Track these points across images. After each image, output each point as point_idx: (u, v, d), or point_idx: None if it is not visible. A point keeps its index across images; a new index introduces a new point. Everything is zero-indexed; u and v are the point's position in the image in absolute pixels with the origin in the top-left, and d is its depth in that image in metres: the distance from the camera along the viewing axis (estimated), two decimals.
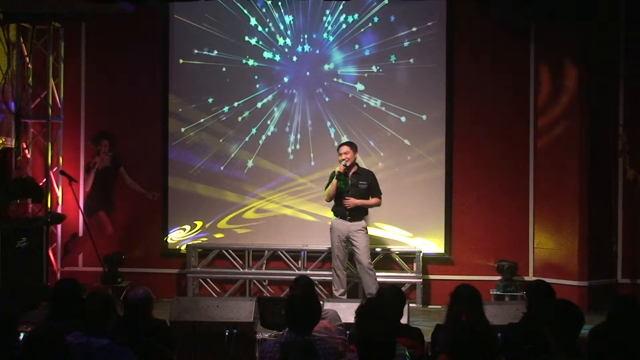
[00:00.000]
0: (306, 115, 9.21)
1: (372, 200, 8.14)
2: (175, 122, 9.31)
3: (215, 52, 9.24)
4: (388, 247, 8.93)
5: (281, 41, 9.21)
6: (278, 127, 9.22)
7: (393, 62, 9.06)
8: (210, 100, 9.28)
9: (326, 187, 8.16)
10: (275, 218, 9.23)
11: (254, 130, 9.22)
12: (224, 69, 9.24)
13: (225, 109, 9.26)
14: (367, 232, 8.13)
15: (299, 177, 9.21)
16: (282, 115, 9.22)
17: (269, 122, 9.22)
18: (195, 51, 9.26)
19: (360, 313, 4.62)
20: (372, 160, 8.93)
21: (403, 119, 9.06)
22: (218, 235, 9.27)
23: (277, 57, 9.24)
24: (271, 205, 9.24)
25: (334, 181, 8.01)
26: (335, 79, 9.17)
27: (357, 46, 9.11)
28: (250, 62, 9.22)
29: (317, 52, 9.20)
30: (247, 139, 9.24)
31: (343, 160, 7.98)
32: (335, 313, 5.59)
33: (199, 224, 9.27)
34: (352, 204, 8.01)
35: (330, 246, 8.62)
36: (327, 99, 9.17)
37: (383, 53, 9.09)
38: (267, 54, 9.23)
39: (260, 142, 9.22)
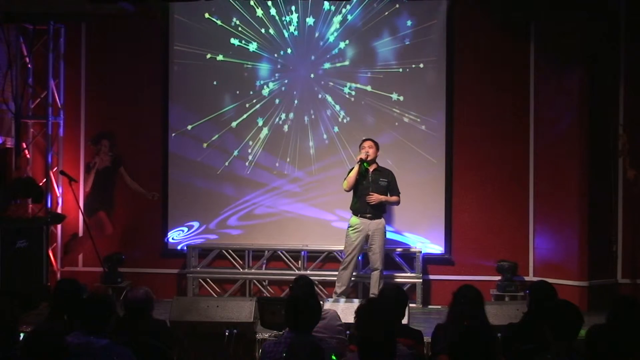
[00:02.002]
0: (303, 115, 9.22)
1: (394, 198, 8.16)
2: (176, 122, 9.30)
3: (209, 52, 9.25)
4: (388, 247, 8.90)
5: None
6: (278, 129, 9.21)
7: (392, 62, 9.06)
8: (208, 100, 9.29)
9: (345, 178, 8.14)
10: (275, 218, 9.22)
11: (253, 132, 9.23)
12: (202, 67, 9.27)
13: (225, 108, 9.26)
14: (385, 232, 8.12)
15: (299, 177, 9.20)
16: (279, 118, 9.23)
17: (267, 125, 9.22)
18: (192, 51, 9.26)
19: (361, 313, 4.62)
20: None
21: (403, 118, 9.06)
22: (218, 235, 9.27)
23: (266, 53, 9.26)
24: (271, 206, 9.23)
25: (355, 168, 8.00)
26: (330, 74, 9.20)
27: (346, 44, 9.12)
28: (236, 59, 9.24)
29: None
30: (247, 139, 9.23)
31: (365, 152, 8.02)
32: (335, 313, 5.59)
33: (199, 224, 9.27)
34: (376, 199, 8.00)
35: (330, 246, 8.66)
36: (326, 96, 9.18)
37: (382, 53, 9.09)
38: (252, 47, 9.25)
39: (261, 142, 9.22)
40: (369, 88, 9.12)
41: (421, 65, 9.04)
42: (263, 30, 9.19)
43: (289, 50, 9.24)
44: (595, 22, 8.51)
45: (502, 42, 8.95)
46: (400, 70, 9.06)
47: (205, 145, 9.26)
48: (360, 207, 8.07)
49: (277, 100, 9.22)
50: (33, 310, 7.65)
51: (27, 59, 9.19)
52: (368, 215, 8.04)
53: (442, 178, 9.01)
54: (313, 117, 9.20)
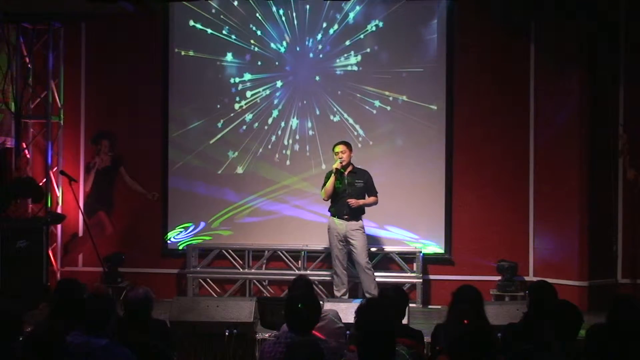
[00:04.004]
0: (305, 112, 9.21)
1: (371, 199, 8.16)
2: (175, 122, 9.30)
3: (210, 52, 9.24)
4: (388, 247, 8.92)
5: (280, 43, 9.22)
6: (278, 128, 9.20)
7: (393, 61, 9.05)
8: (206, 99, 9.28)
9: (323, 186, 8.17)
10: (275, 218, 9.22)
11: (253, 131, 9.21)
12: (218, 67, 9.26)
13: (226, 109, 9.25)
14: (364, 232, 8.14)
15: (298, 177, 9.20)
16: (280, 115, 9.21)
17: (267, 124, 9.21)
18: (192, 52, 9.26)
19: (361, 313, 4.61)
20: (371, 160, 8.91)
21: (404, 118, 9.06)
22: (218, 235, 9.26)
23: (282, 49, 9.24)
24: (271, 206, 9.22)
25: (332, 178, 8.02)
26: (330, 68, 9.18)
27: (349, 42, 9.09)
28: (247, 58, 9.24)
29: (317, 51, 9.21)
30: (247, 139, 9.21)
31: (339, 158, 8.00)
32: (336, 313, 5.57)
33: (199, 224, 9.27)
34: (356, 204, 8.02)
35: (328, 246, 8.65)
36: (329, 91, 9.17)
37: (382, 51, 9.08)
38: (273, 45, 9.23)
39: (261, 142, 9.21)
40: (404, 97, 9.04)
41: (421, 65, 9.01)
42: (236, 3, 9.14)
43: (283, 42, 9.26)
44: (595, 22, 8.51)
45: (502, 42, 8.95)
46: (400, 69, 9.05)
47: (204, 145, 9.25)
48: (337, 210, 8.10)
49: (255, 124, 9.20)
50: (33, 310, 7.66)
51: (27, 59, 9.19)
52: (346, 217, 8.06)
53: (442, 178, 9.00)
54: (322, 157, 9.15)
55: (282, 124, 9.17)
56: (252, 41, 9.14)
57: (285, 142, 9.16)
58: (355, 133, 9.03)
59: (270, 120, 9.18)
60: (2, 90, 8.75)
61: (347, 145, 8.14)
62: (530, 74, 8.89)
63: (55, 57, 9.23)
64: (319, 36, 9.11)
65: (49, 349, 3.85)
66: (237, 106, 9.19)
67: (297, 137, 9.16)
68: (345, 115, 9.10)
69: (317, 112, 9.13)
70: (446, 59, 8.99)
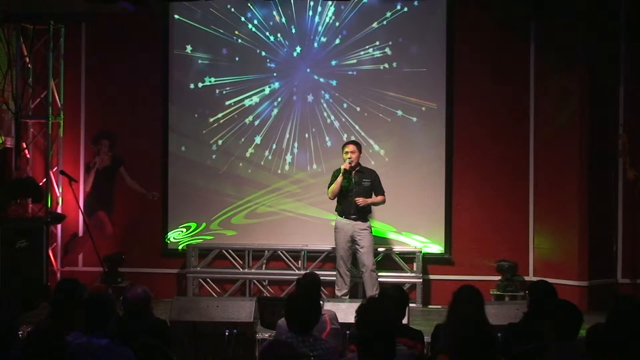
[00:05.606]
0: (306, 113, 9.20)
1: (379, 198, 8.16)
2: (176, 122, 9.29)
3: (211, 52, 9.25)
4: (388, 247, 8.92)
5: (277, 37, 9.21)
6: (278, 128, 9.20)
7: (393, 61, 9.05)
8: (205, 100, 9.29)
9: (329, 185, 8.16)
10: (275, 218, 9.22)
11: (252, 130, 9.22)
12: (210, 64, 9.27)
13: (227, 110, 9.25)
14: (371, 232, 8.13)
15: (299, 177, 9.20)
16: (280, 114, 9.21)
17: (267, 123, 9.21)
18: (192, 52, 9.26)
19: (361, 313, 4.61)
20: (371, 160, 8.91)
21: (404, 117, 9.05)
22: (218, 235, 9.26)
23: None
24: (271, 205, 9.22)
25: (339, 178, 8.00)
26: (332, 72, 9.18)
27: (349, 41, 9.09)
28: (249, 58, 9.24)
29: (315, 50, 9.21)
30: (245, 138, 9.22)
31: (349, 158, 7.99)
32: (334, 315, 5.53)
33: (199, 224, 9.26)
34: (364, 202, 8.01)
35: (330, 246, 8.63)
36: (326, 96, 9.17)
37: (382, 51, 9.08)
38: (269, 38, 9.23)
39: (260, 141, 9.21)
40: (435, 106, 8.97)
41: (422, 65, 9.02)
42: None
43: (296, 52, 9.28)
44: (595, 21, 8.51)
45: (502, 41, 8.95)
46: (400, 69, 9.05)
47: (204, 145, 9.24)
48: (344, 209, 8.09)
49: (241, 140, 9.26)
50: (33, 310, 7.65)
51: (27, 59, 9.19)
52: (353, 217, 8.06)
53: (442, 178, 9.00)
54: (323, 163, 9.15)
55: (283, 124, 9.18)
56: (236, 32, 9.14)
57: (286, 144, 9.17)
58: (365, 144, 8.99)
59: (275, 112, 9.17)
60: (2, 90, 8.75)
61: (357, 145, 8.14)
62: (530, 74, 8.89)
63: (55, 57, 9.23)
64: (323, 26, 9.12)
65: (49, 349, 3.84)
66: (230, 108, 9.19)
67: (298, 132, 9.16)
68: (357, 127, 9.07)
69: (323, 135, 9.14)
70: (446, 59, 8.99)
